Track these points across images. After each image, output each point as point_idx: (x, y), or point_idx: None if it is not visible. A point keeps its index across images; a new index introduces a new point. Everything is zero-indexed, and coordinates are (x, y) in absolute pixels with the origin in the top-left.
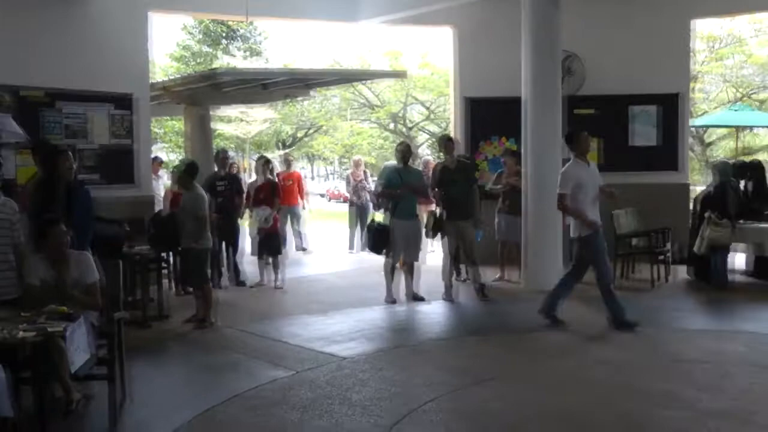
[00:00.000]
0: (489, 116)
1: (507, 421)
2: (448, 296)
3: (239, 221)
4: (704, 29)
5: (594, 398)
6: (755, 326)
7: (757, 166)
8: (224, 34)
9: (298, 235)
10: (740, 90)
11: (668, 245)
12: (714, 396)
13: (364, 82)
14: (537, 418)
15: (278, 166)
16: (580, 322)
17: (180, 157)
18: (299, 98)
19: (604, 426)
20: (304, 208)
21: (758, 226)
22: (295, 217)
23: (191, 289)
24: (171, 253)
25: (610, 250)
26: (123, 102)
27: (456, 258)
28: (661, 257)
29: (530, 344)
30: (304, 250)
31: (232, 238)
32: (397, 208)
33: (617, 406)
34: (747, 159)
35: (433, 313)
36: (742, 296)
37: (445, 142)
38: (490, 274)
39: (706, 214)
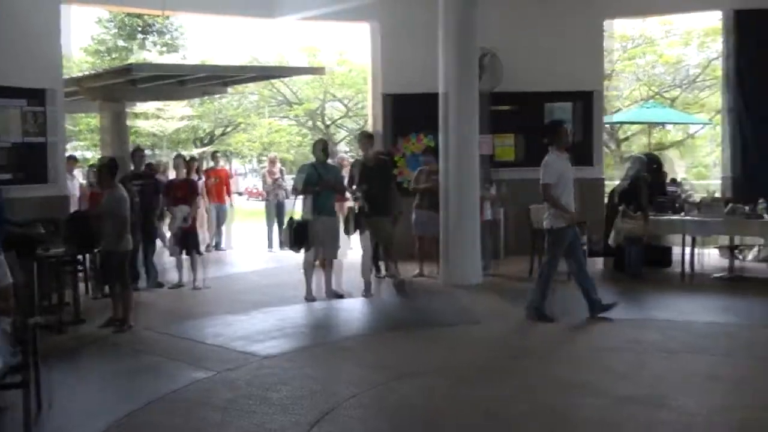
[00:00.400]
0: (407, 113)
1: (427, 416)
2: (368, 293)
3: (156, 221)
4: (618, 29)
5: (514, 389)
6: (668, 314)
7: (655, 160)
8: (140, 29)
9: (220, 234)
10: (652, 88)
11: (584, 238)
12: (631, 383)
13: (282, 78)
14: (458, 411)
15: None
16: (498, 314)
17: (96, 155)
18: (217, 95)
19: (525, 416)
20: (231, 205)
21: (671, 218)
22: (223, 215)
23: (108, 292)
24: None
25: (528, 245)
26: (36, 97)
27: (375, 255)
28: None
29: (449, 338)
30: (221, 249)
31: (149, 238)
32: (315, 204)
33: (537, 396)
34: (651, 153)
35: (353, 309)
36: (655, 286)
37: (363, 139)
38: (408, 270)
39: (621, 207)
